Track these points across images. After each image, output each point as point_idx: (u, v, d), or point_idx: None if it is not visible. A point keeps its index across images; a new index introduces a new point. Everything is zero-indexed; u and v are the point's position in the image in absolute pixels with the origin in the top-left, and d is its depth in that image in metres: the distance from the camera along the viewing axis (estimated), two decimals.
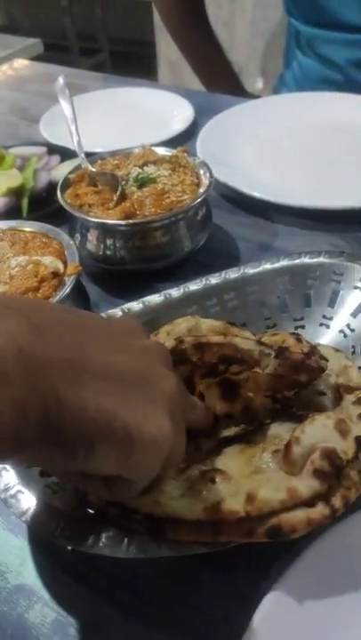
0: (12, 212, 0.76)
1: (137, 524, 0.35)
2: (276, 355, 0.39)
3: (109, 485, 0.31)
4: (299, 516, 0.33)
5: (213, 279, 0.51)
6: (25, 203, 0.77)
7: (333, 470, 0.33)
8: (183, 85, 1.42)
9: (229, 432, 0.40)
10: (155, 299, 0.51)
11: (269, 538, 0.33)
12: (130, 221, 0.60)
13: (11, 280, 0.52)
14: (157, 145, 0.76)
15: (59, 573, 0.40)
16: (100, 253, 0.63)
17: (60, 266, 0.54)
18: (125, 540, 0.35)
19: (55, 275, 0.52)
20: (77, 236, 0.65)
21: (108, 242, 0.62)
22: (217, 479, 0.36)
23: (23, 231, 0.59)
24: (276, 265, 0.51)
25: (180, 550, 0.35)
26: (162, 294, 0.51)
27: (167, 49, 1.85)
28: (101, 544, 0.35)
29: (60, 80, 0.76)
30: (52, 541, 0.36)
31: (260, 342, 0.40)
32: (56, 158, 0.87)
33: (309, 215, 0.72)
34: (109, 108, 1.08)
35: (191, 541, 0.34)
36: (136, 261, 0.63)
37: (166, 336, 0.46)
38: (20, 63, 1.44)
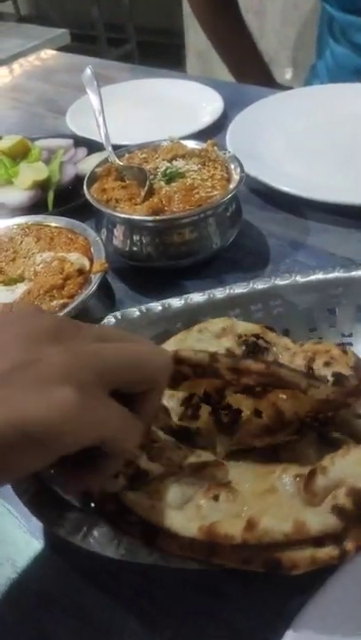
0: (38, 206, 0.76)
1: (131, 525, 0.34)
2: (333, 382, 0.36)
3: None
4: (303, 552, 0.31)
5: (260, 284, 0.49)
6: (50, 196, 0.76)
7: (357, 512, 0.30)
8: (212, 76, 1.40)
9: (254, 442, 0.38)
10: (197, 297, 0.48)
11: (267, 569, 0.31)
12: (157, 217, 0.58)
13: (35, 277, 0.51)
14: (186, 138, 0.74)
15: (79, 580, 0.39)
16: (127, 249, 0.62)
17: (86, 263, 0.52)
18: (116, 540, 0.33)
19: (81, 272, 0.51)
20: (104, 231, 0.64)
21: (135, 238, 0.61)
22: (221, 496, 0.34)
23: (49, 226, 0.58)
24: (330, 275, 0.48)
25: (171, 561, 0.33)
26: (205, 293, 0.48)
27: (196, 38, 1.82)
28: (92, 540, 0.33)
29: (88, 71, 0.74)
30: (46, 527, 0.35)
31: (307, 375, 0.37)
32: (83, 151, 0.86)
33: (342, 211, 0.70)
34: (137, 100, 1.06)
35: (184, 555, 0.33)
36: (163, 258, 0.61)
37: (197, 333, 0.45)
38: (48, 54, 1.43)
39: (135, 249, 0.61)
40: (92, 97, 0.72)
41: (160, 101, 1.05)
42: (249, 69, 1.31)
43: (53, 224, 0.58)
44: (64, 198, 0.77)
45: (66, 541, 0.34)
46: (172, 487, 0.35)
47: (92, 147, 0.86)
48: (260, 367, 0.34)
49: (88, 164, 0.82)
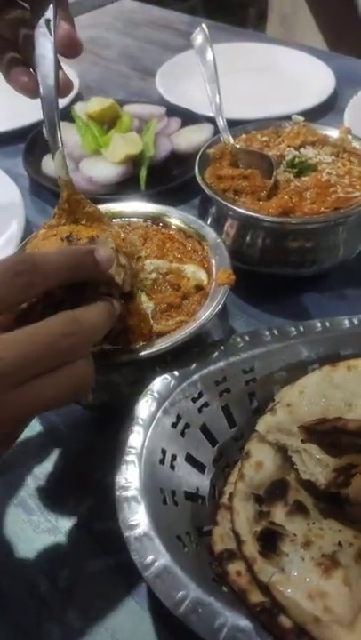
0: (128, 184, 0.67)
1: (284, 632, 0.28)
2: None
3: None
4: None
5: None
6: (143, 174, 0.67)
7: None
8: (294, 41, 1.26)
9: None
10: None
11: None
12: (288, 220, 0.49)
13: (151, 291, 0.43)
14: (287, 118, 0.64)
15: None
16: (238, 250, 0.53)
17: (203, 276, 0.44)
18: None
19: (198, 287, 0.43)
20: (210, 223, 0.55)
21: (251, 238, 0.52)
22: None
23: (163, 220, 0.49)
24: None
25: None
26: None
27: None
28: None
29: (200, 31, 0.64)
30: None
31: None
32: (176, 121, 0.76)
33: None
34: (231, 67, 0.93)
35: None
36: (282, 265, 0.53)
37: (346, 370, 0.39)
38: (127, 5, 1.30)
39: (249, 250, 0.53)
40: (203, 61, 0.62)
41: (260, 71, 0.93)
42: (347, 37, 1.18)
43: (170, 220, 0.49)
44: (155, 177, 0.68)
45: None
46: (338, 587, 0.29)
47: (186, 117, 0.77)
48: None
49: (184, 137, 0.73)
